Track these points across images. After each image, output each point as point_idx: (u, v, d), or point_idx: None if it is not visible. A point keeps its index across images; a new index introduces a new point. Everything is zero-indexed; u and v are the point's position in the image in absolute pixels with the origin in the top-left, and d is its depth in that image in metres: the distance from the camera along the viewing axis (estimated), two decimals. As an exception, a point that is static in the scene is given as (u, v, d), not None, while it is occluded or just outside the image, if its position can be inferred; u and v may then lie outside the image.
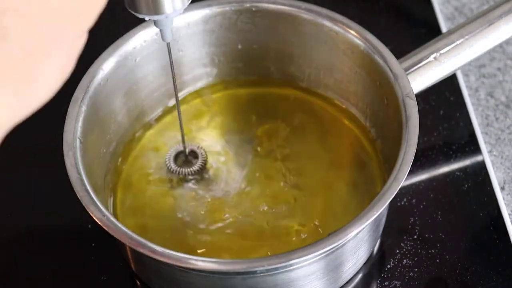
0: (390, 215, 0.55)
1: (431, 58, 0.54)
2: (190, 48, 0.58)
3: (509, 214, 0.57)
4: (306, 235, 0.53)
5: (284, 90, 0.61)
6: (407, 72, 0.53)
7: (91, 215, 0.46)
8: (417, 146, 0.48)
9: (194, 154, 0.57)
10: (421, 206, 0.57)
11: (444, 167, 0.60)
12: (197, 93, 0.61)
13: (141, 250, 0.45)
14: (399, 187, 0.46)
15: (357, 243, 0.50)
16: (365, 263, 0.54)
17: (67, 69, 0.34)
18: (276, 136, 0.59)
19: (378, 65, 0.53)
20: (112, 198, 0.55)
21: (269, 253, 0.52)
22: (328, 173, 0.56)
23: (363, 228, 0.47)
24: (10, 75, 0.31)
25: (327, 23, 0.55)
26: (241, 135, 0.59)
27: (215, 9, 0.57)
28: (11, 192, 0.60)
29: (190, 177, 0.56)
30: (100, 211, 0.46)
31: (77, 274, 0.55)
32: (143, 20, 0.55)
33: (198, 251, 0.53)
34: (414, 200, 0.57)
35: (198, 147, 0.57)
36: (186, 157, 0.57)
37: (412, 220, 0.56)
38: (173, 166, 0.56)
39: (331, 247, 0.45)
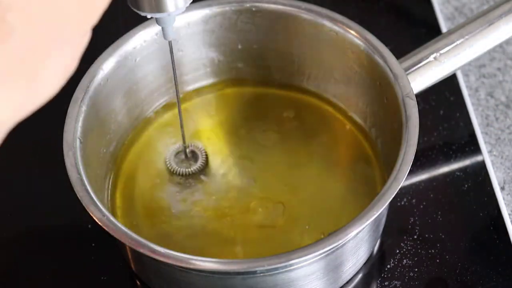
0: (390, 215, 0.55)
1: (431, 58, 0.54)
2: (190, 48, 0.58)
3: (509, 214, 0.57)
4: (306, 235, 0.53)
5: (284, 90, 0.61)
6: (407, 72, 0.53)
7: (91, 215, 0.46)
8: (417, 146, 0.48)
9: (194, 154, 0.57)
10: (421, 206, 0.57)
11: (444, 167, 0.60)
12: (197, 93, 0.61)
13: (141, 250, 0.45)
14: (399, 187, 0.46)
15: (357, 243, 0.50)
16: (365, 263, 0.54)
17: (70, 67, 0.34)
18: (276, 136, 0.59)
19: (378, 65, 0.53)
20: (112, 198, 0.55)
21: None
22: (328, 173, 0.56)
23: (363, 228, 0.47)
24: (13, 72, 0.31)
25: (327, 23, 0.55)
26: (240, 135, 0.59)
27: (215, 9, 0.57)
28: (11, 192, 0.60)
29: (190, 177, 0.56)
30: (100, 211, 0.46)
31: (77, 274, 0.55)
32: (143, 20, 0.55)
33: (198, 250, 0.53)
34: (414, 200, 0.57)
35: (198, 148, 0.57)
36: (186, 157, 0.57)
37: (412, 220, 0.56)
38: (174, 166, 0.56)
39: (331, 247, 0.45)
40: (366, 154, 0.57)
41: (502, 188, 0.59)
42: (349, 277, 0.53)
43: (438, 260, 0.54)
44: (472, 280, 0.53)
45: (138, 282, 0.55)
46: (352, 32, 0.54)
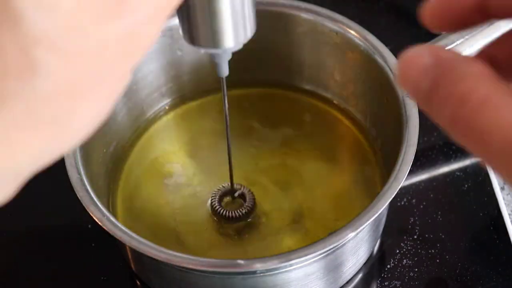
0: (390, 215, 0.55)
1: (431, 58, 0.53)
2: (190, 48, 0.58)
3: (509, 214, 0.57)
4: (306, 235, 0.53)
5: (284, 90, 0.60)
6: (407, 72, 0.52)
7: (91, 215, 0.46)
8: (417, 146, 0.48)
9: (242, 197, 0.55)
10: (421, 206, 0.57)
11: (444, 167, 0.60)
12: (197, 93, 0.61)
13: (141, 250, 0.45)
14: (399, 187, 0.46)
15: (357, 243, 0.50)
16: (365, 263, 0.54)
17: (102, 113, 0.29)
18: (276, 136, 0.59)
19: (378, 65, 0.53)
20: (112, 198, 0.55)
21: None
22: (328, 173, 0.56)
23: (363, 228, 0.47)
24: (37, 116, 0.27)
25: (327, 23, 0.55)
26: (240, 135, 0.59)
27: (215, 9, 0.57)
28: (11, 192, 0.60)
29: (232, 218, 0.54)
30: (100, 211, 0.46)
31: (77, 274, 0.55)
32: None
33: (199, 250, 0.53)
34: (414, 200, 0.57)
35: (247, 191, 0.54)
36: (233, 198, 0.55)
37: (412, 220, 0.56)
38: (217, 206, 0.54)
39: (331, 247, 0.45)
40: (366, 154, 0.57)
41: (502, 188, 0.59)
42: (349, 277, 0.53)
43: (438, 260, 0.54)
44: (472, 280, 0.53)
45: (138, 282, 0.55)
46: (352, 32, 0.54)
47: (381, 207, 0.46)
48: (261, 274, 0.47)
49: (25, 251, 0.57)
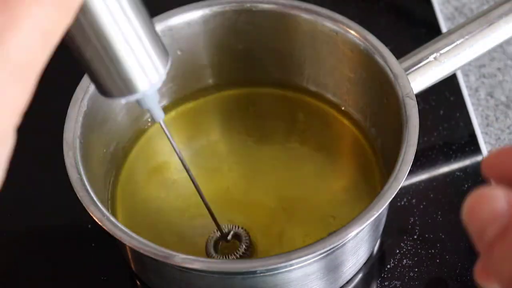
0: (390, 215, 0.55)
1: (431, 58, 0.54)
2: (190, 48, 0.58)
3: (509, 214, 0.57)
4: (305, 235, 0.53)
5: (284, 90, 0.60)
6: (407, 72, 0.53)
7: (91, 215, 0.46)
8: (417, 146, 0.48)
9: (236, 236, 0.53)
10: (421, 206, 0.57)
11: (444, 167, 0.60)
12: (197, 93, 0.61)
13: (141, 250, 0.45)
14: (399, 187, 0.46)
15: (357, 243, 0.50)
16: (365, 263, 0.54)
17: None
18: (276, 136, 0.59)
19: (378, 65, 0.53)
20: (112, 198, 0.55)
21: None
22: (327, 173, 0.56)
23: (363, 228, 0.47)
24: None
25: (327, 23, 0.55)
26: (240, 135, 0.59)
27: (215, 9, 0.57)
28: (11, 192, 0.60)
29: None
30: (100, 211, 0.46)
31: (77, 274, 0.55)
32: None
33: (199, 250, 0.53)
34: (414, 200, 0.57)
35: (239, 229, 0.53)
36: (226, 241, 0.53)
37: (412, 220, 0.56)
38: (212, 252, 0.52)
39: (331, 247, 0.45)
40: (366, 154, 0.57)
41: (502, 188, 0.59)
42: (349, 277, 0.53)
43: (438, 260, 0.54)
44: (472, 280, 0.53)
45: (138, 282, 0.55)
46: (352, 32, 0.54)
47: (381, 207, 0.46)
48: (261, 274, 0.47)
49: (25, 251, 0.57)
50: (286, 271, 0.47)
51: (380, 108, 0.54)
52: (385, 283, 0.54)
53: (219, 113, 0.60)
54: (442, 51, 0.54)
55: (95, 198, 0.47)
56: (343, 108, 0.59)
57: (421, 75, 0.53)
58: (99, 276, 0.55)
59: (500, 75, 0.65)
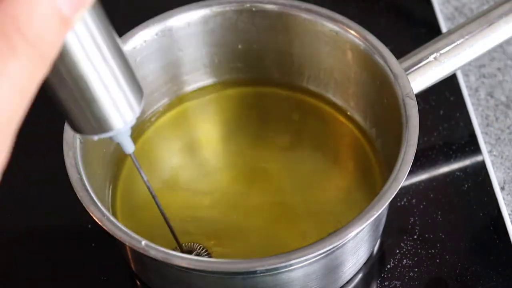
0: (390, 215, 0.55)
1: (431, 58, 0.54)
2: (190, 48, 0.58)
3: (509, 214, 0.57)
4: (305, 235, 0.53)
5: (284, 90, 0.60)
6: (407, 72, 0.53)
7: (91, 215, 0.46)
8: (417, 146, 0.48)
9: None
10: (421, 206, 0.57)
11: (444, 167, 0.60)
12: (197, 93, 0.61)
13: (141, 250, 0.45)
14: (399, 187, 0.46)
15: (357, 243, 0.50)
16: (365, 263, 0.54)
17: None
18: (275, 136, 0.59)
19: (378, 65, 0.53)
20: (112, 198, 0.55)
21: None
22: (327, 173, 0.56)
23: (363, 228, 0.47)
24: None
25: (327, 23, 0.55)
26: (240, 135, 0.59)
27: (215, 9, 0.57)
28: (11, 192, 0.60)
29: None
30: (100, 211, 0.46)
31: (77, 274, 0.55)
32: (143, 20, 0.55)
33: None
34: (414, 200, 0.57)
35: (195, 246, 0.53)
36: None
37: (412, 220, 0.56)
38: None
39: (331, 247, 0.45)
40: (366, 154, 0.57)
41: (502, 188, 0.59)
42: (349, 277, 0.53)
43: (438, 260, 0.54)
44: (472, 280, 0.53)
45: (138, 282, 0.55)
46: (352, 32, 0.54)
47: (381, 207, 0.46)
48: (261, 274, 0.47)
49: (25, 251, 0.57)
50: (286, 271, 0.47)
51: (380, 108, 0.54)
52: (385, 283, 0.54)
53: (219, 113, 0.60)
54: (442, 51, 0.54)
55: (95, 198, 0.47)
56: (343, 108, 0.59)
57: (421, 75, 0.53)
58: (99, 276, 0.55)
59: (500, 75, 0.65)
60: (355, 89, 0.57)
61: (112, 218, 0.46)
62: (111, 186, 0.56)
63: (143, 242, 0.45)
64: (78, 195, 0.47)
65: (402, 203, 0.57)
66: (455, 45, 0.54)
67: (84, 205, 0.47)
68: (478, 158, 0.60)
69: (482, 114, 0.63)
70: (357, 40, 0.54)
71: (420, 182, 0.59)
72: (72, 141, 0.50)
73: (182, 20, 0.56)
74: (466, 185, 0.58)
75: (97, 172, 0.53)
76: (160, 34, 0.56)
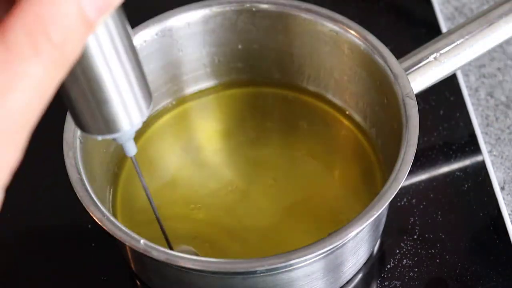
0: (390, 215, 0.55)
1: (431, 58, 0.54)
2: (190, 48, 0.58)
3: (509, 214, 0.57)
4: (305, 235, 0.53)
5: (284, 90, 0.61)
6: (407, 72, 0.53)
7: (91, 215, 0.46)
8: (417, 146, 0.48)
9: None
10: (421, 206, 0.57)
11: (444, 167, 0.60)
12: (197, 93, 0.61)
13: (141, 250, 0.45)
14: (399, 187, 0.46)
15: (357, 243, 0.50)
16: (365, 263, 0.54)
17: None
18: (275, 136, 0.59)
19: (378, 65, 0.53)
20: (112, 198, 0.55)
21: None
22: (327, 173, 0.56)
23: (363, 228, 0.47)
24: None
25: (327, 23, 0.55)
26: (240, 135, 0.59)
27: (215, 9, 0.57)
28: (11, 192, 0.60)
29: None
30: (100, 211, 0.46)
31: (77, 274, 0.55)
32: (143, 20, 0.55)
33: (198, 250, 0.53)
34: (414, 200, 0.57)
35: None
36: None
37: (412, 220, 0.56)
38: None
39: (331, 247, 0.45)
40: (366, 154, 0.57)
41: (502, 188, 0.59)
42: (349, 277, 0.53)
43: (438, 260, 0.54)
44: (472, 280, 0.53)
45: (138, 282, 0.55)
46: (352, 32, 0.54)
47: (381, 207, 0.46)
48: (261, 274, 0.47)
49: (25, 251, 0.57)
50: (286, 271, 0.47)
51: (380, 108, 0.54)
52: (385, 283, 0.54)
53: (219, 114, 0.60)
54: (442, 51, 0.54)
55: (95, 198, 0.47)
56: (343, 108, 0.59)
57: (421, 75, 0.53)
58: (99, 276, 0.55)
59: (500, 75, 0.65)
60: (355, 89, 0.57)
61: (112, 218, 0.46)
62: (111, 187, 0.56)
63: (143, 242, 0.45)
64: (78, 195, 0.47)
65: (402, 203, 0.57)
66: (455, 45, 0.54)
67: (84, 205, 0.47)
68: (478, 158, 0.60)
69: (482, 114, 0.63)
70: (357, 40, 0.54)
71: (420, 182, 0.59)
72: (72, 141, 0.50)
73: (182, 20, 0.56)
74: (466, 185, 0.58)
75: (97, 172, 0.53)
76: (160, 34, 0.56)
